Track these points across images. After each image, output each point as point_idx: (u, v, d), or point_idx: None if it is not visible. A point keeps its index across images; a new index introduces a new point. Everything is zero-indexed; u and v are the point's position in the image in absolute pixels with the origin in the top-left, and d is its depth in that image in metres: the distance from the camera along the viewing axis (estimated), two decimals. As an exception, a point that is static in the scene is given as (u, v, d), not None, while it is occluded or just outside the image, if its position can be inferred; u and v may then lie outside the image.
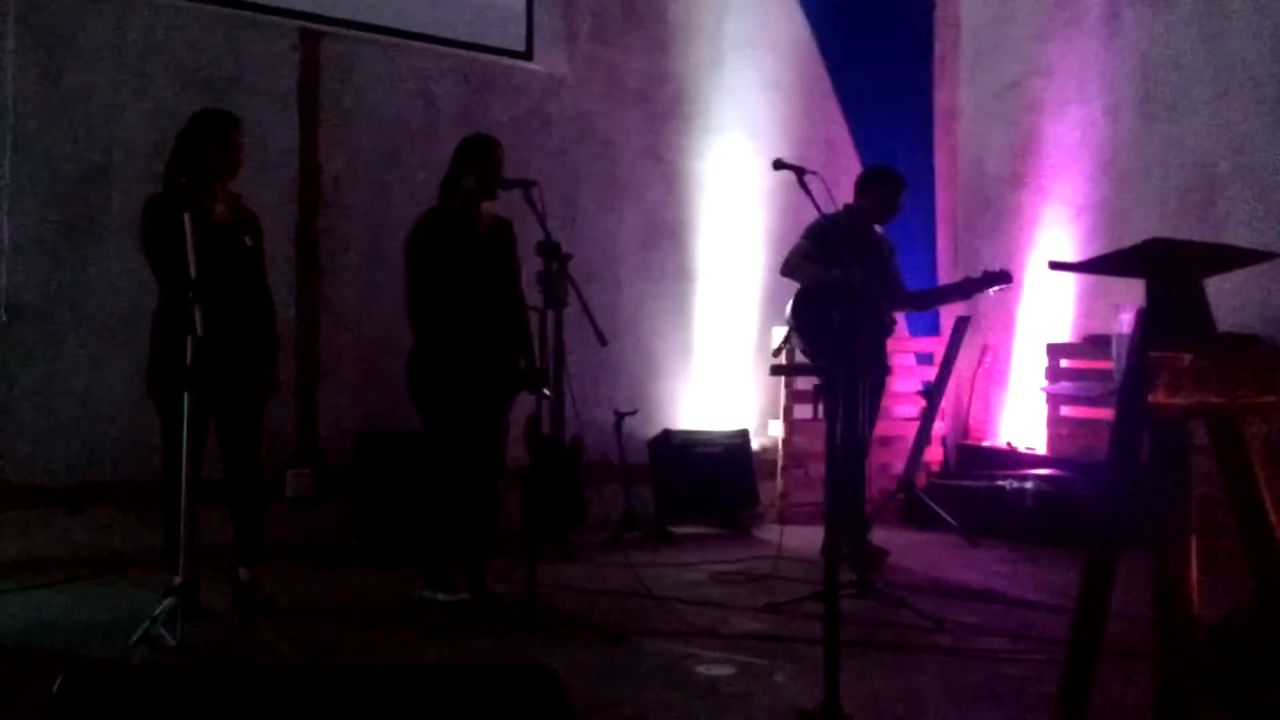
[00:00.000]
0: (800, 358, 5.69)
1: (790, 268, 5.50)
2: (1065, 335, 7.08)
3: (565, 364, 4.42)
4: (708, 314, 7.14)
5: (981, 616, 4.48)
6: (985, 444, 7.42)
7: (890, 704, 3.32)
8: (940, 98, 7.94)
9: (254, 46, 5.76)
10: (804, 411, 6.80)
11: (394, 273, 4.83)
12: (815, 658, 3.68)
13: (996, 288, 5.61)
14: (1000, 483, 6.49)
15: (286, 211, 5.74)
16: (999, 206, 7.65)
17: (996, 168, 7.70)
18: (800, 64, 7.51)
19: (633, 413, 6.43)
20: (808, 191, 4.68)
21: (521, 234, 4.72)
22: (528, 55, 6.73)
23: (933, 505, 6.44)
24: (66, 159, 5.28)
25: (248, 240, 4.33)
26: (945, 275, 7.69)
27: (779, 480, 6.92)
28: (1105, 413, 6.51)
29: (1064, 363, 6.95)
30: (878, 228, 5.70)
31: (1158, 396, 2.11)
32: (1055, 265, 2.47)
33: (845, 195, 5.53)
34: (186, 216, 3.82)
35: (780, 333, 5.95)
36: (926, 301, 6.30)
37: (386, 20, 6.24)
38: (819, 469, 6.93)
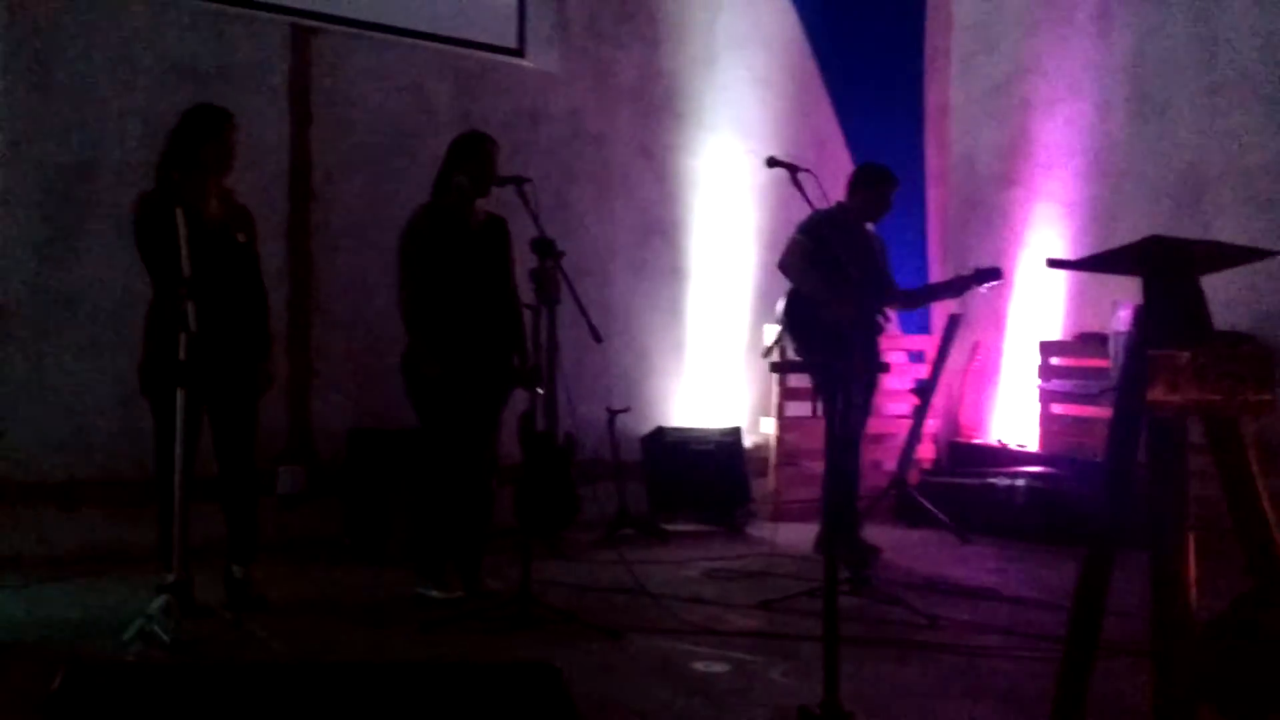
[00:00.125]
0: (791, 357, 5.69)
1: (788, 267, 5.49)
2: (1056, 333, 7.10)
3: (559, 361, 4.42)
4: (700, 311, 7.15)
5: (975, 613, 4.49)
6: (976, 441, 7.44)
7: (887, 700, 3.34)
8: (931, 95, 7.95)
9: (245, 42, 5.73)
10: (797, 409, 6.81)
11: (386, 268, 4.82)
12: (810, 654, 3.70)
13: (987, 285, 5.62)
14: (992, 480, 6.50)
15: (277, 207, 5.72)
16: (990, 204, 7.66)
17: (987, 165, 7.71)
18: (792, 61, 7.52)
19: (625, 410, 6.43)
20: (801, 189, 4.69)
21: (514, 230, 4.71)
22: (520, 52, 6.72)
23: (925, 503, 6.46)
24: (56, 154, 5.25)
25: (240, 237, 4.32)
26: (936, 272, 7.71)
27: (771, 477, 6.92)
28: (1097, 411, 6.54)
29: (1055, 360, 6.97)
30: (869, 225, 5.70)
31: (1156, 394, 2.12)
32: (1053, 263, 2.48)
33: (836, 192, 5.54)
34: (179, 212, 3.81)
35: (772, 331, 5.95)
36: (918, 299, 6.31)
37: (378, 16, 6.22)
38: (812, 466, 6.95)
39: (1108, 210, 6.90)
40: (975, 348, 7.54)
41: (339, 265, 5.93)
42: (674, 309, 7.07)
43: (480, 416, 4.62)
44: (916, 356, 7.39)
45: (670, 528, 6.33)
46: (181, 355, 3.76)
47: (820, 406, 5.62)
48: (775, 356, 5.98)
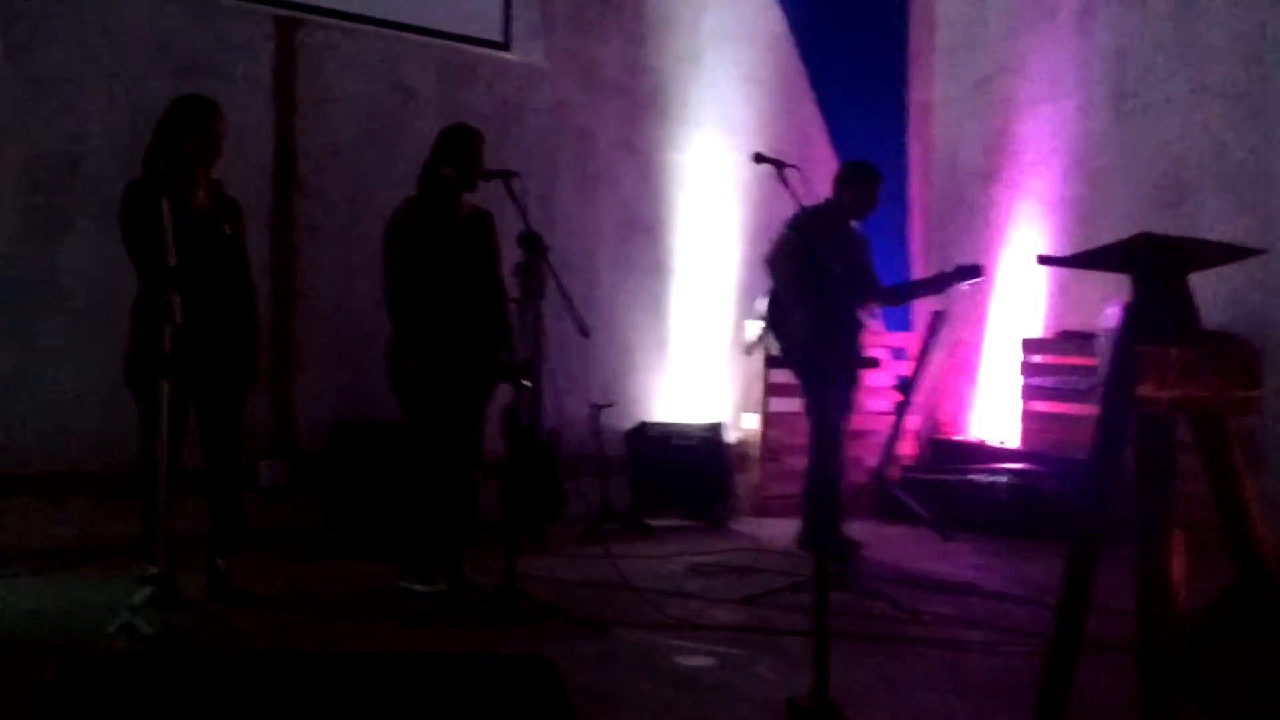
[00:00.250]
0: (774, 354, 5.70)
1: (774, 263, 5.49)
2: (1037, 331, 7.14)
3: (544, 356, 4.41)
4: (683, 307, 7.16)
5: (956, 608, 4.52)
6: (957, 438, 7.48)
7: (871, 693, 3.35)
8: (915, 92, 7.98)
9: (229, 33, 5.71)
10: (780, 405, 6.82)
11: (370, 261, 4.81)
12: (795, 649, 3.72)
13: (969, 282, 5.65)
14: (972, 476, 6.54)
15: (261, 198, 5.69)
16: (972, 201, 7.70)
17: (970, 163, 7.75)
18: (777, 58, 7.53)
19: (609, 405, 6.43)
20: (787, 185, 4.69)
21: (499, 225, 4.71)
22: (505, 45, 6.72)
23: (905, 499, 6.48)
24: (39, 145, 5.21)
25: (227, 228, 4.29)
26: (918, 269, 7.74)
27: (754, 473, 6.94)
28: (1077, 408, 6.59)
29: (1037, 358, 7.01)
30: (853, 223, 5.72)
31: (1145, 390, 2.14)
32: (1043, 259, 2.50)
33: (821, 189, 5.54)
34: (164, 203, 3.78)
35: (755, 327, 5.96)
36: (900, 296, 6.32)
37: (362, 8, 6.20)
38: (794, 462, 6.96)
39: (1089, 208, 6.94)
40: (956, 345, 7.58)
41: (322, 257, 5.91)
42: (657, 305, 7.08)
43: (464, 410, 4.62)
44: (899, 353, 7.42)
45: (653, 522, 6.34)
46: (166, 347, 3.74)
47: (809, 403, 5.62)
48: (760, 353, 6.00)
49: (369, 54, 6.11)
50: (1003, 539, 6.08)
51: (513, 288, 4.48)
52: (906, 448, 7.38)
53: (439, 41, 6.42)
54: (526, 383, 4.50)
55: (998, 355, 7.42)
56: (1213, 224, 6.10)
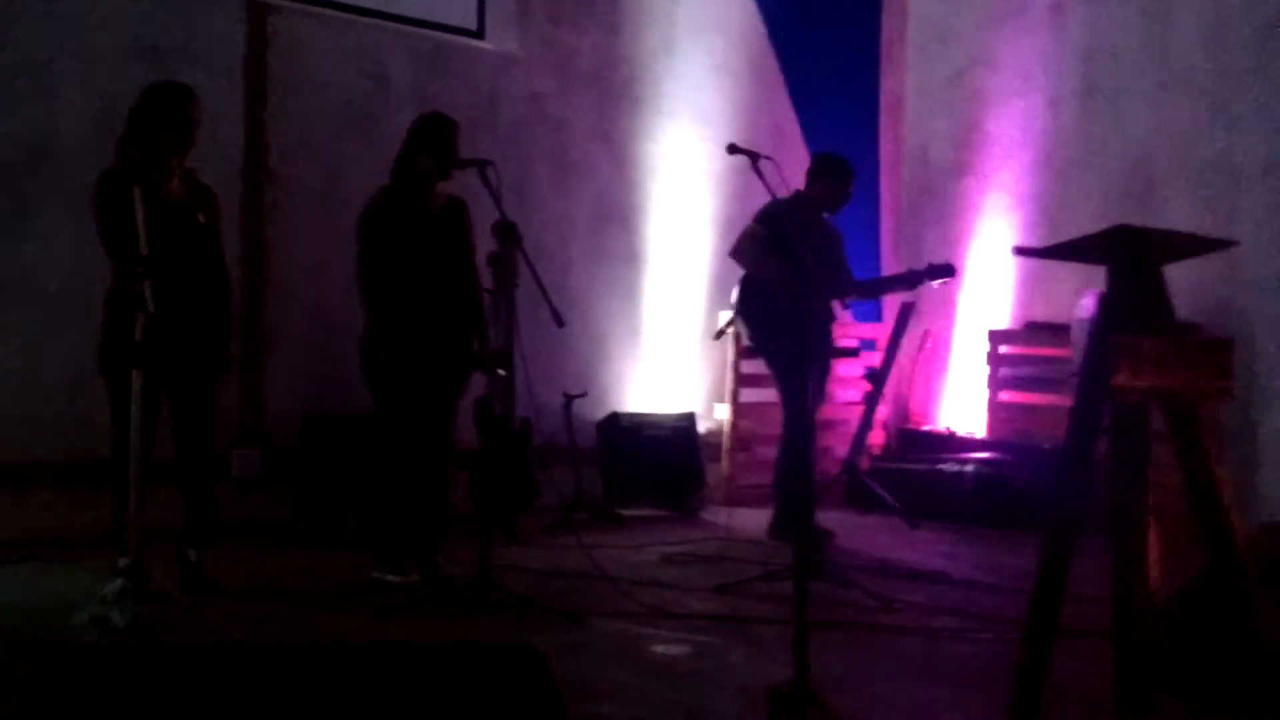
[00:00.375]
0: (745, 343, 5.73)
1: (739, 254, 5.53)
2: (1005, 322, 7.21)
3: (518, 345, 4.41)
4: (656, 297, 7.17)
5: (927, 596, 4.57)
6: (926, 428, 7.54)
7: (848, 680, 3.38)
8: (886, 85, 8.01)
9: (200, 18, 5.64)
10: (751, 395, 6.85)
11: (343, 250, 4.77)
12: (768, 637, 3.75)
13: (939, 280, 5.71)
14: (941, 466, 6.60)
15: (231, 186, 5.62)
16: (942, 194, 7.75)
17: (940, 156, 7.80)
18: (750, 50, 7.55)
19: (581, 395, 6.43)
20: (761, 176, 4.70)
21: (474, 214, 4.69)
22: (479, 34, 6.68)
23: (875, 488, 6.53)
24: (8, 133, 5.14)
25: (201, 216, 4.25)
26: (889, 261, 7.79)
27: (725, 463, 6.96)
28: (1043, 398, 6.66)
29: (1004, 349, 7.07)
30: (826, 215, 5.75)
31: (1120, 379, 2.17)
32: (1020, 251, 2.52)
33: (794, 180, 5.57)
34: (137, 190, 3.75)
35: (726, 317, 5.98)
36: (871, 291, 6.38)
37: (336, -6, 6.16)
38: (765, 452, 6.99)
39: (1058, 201, 7.01)
40: (925, 336, 7.64)
41: (294, 246, 5.86)
42: (630, 294, 7.09)
43: (437, 400, 4.61)
44: (868, 344, 7.46)
45: (625, 512, 6.35)
46: (138, 336, 3.71)
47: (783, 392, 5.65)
48: (729, 339, 6.02)
49: (342, 41, 6.07)
50: (970, 527, 6.14)
51: (487, 277, 4.47)
52: (876, 438, 7.44)
53: (413, 29, 6.38)
54: (502, 371, 4.48)
55: (966, 346, 7.48)
56: (1180, 218, 6.17)
